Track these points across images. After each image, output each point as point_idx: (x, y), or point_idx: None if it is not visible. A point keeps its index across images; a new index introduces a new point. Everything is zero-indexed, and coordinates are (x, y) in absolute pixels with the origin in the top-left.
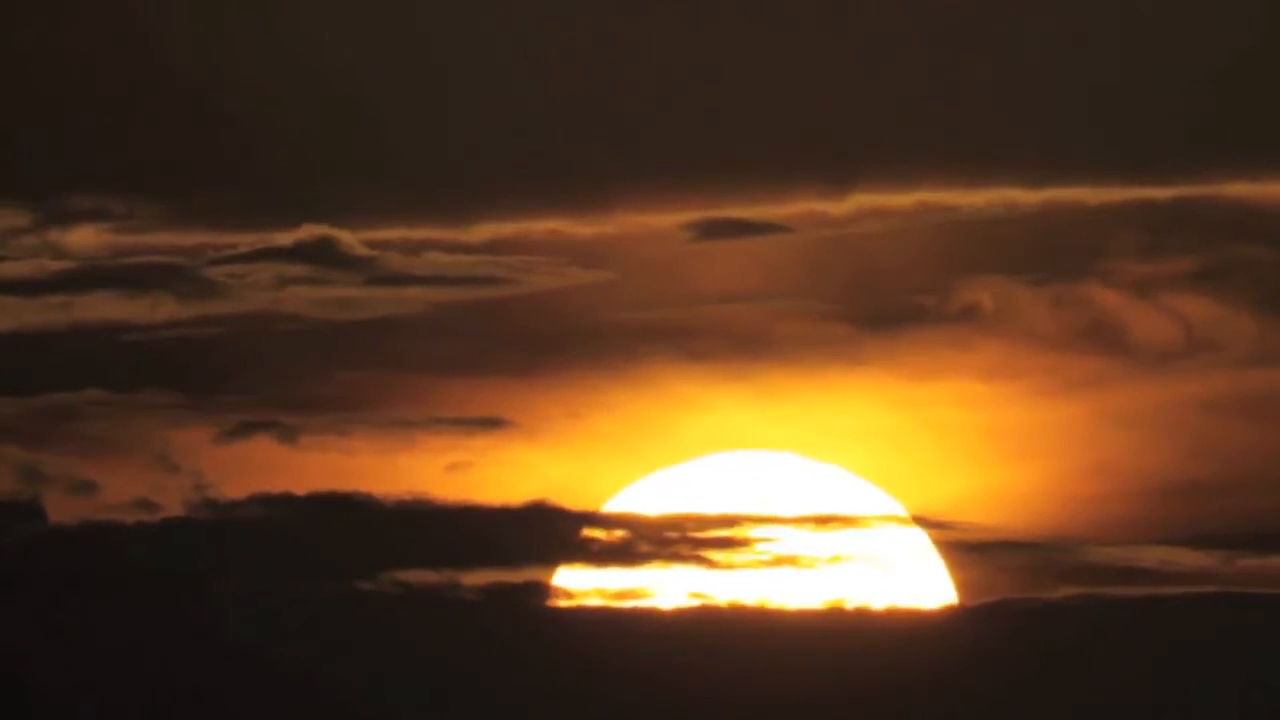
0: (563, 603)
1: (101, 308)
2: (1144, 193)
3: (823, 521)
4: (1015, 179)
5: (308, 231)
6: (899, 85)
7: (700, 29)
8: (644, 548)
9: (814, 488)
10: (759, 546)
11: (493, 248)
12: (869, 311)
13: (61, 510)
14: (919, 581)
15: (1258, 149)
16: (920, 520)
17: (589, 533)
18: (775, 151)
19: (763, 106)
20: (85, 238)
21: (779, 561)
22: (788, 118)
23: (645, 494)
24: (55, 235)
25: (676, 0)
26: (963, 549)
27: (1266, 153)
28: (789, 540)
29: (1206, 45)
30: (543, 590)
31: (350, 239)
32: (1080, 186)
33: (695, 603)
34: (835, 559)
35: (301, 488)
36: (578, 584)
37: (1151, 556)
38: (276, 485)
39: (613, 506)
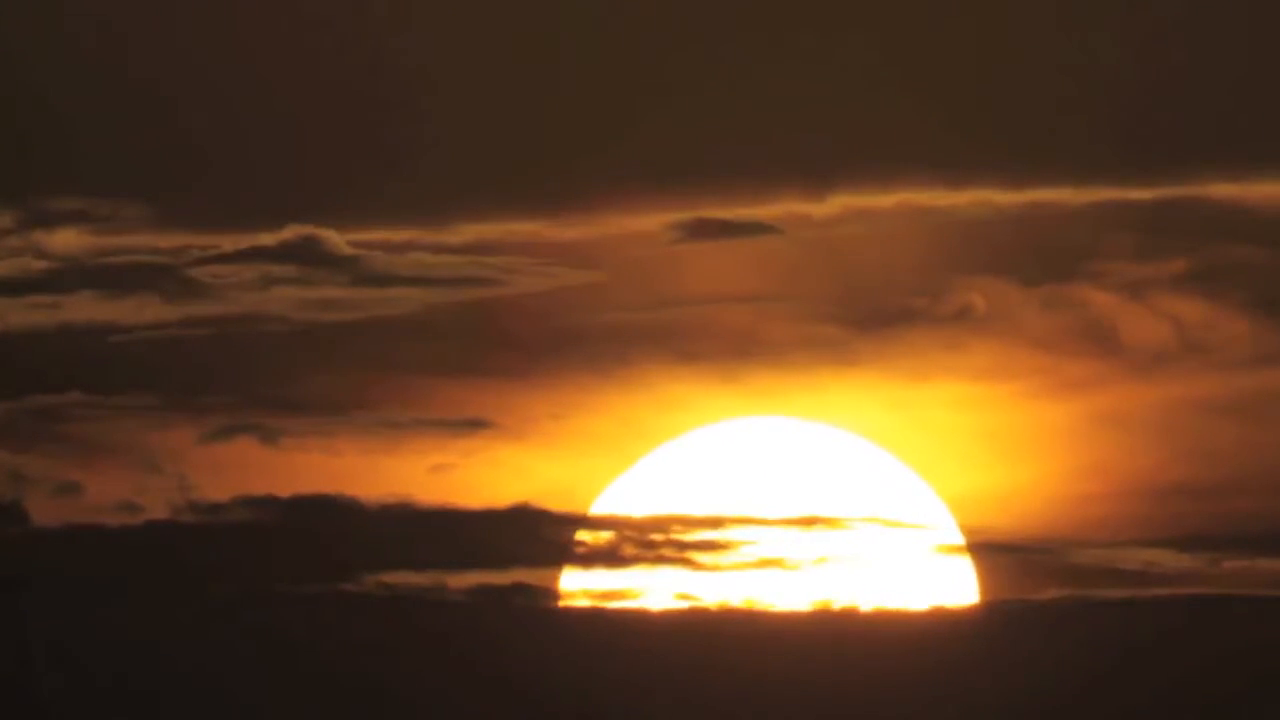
0: (549, 604)
1: (86, 309)
2: (1128, 194)
3: (808, 523)
4: (995, 180)
5: (292, 232)
6: (877, 86)
7: (682, 31)
8: (630, 550)
9: (803, 482)
10: (745, 548)
11: (476, 249)
12: (860, 313)
13: (45, 512)
14: (907, 583)
15: (1240, 150)
16: (911, 522)
17: (576, 535)
18: (754, 153)
19: (742, 107)
20: (69, 239)
21: (765, 563)
22: (767, 118)
23: (631, 495)
24: (39, 237)
25: (659, 3)
26: (952, 550)
27: (1249, 154)
28: (775, 541)
29: (1190, 46)
30: (529, 592)
31: (336, 239)
32: (1062, 188)
33: (683, 604)
34: (821, 560)
35: (285, 490)
36: (564, 586)
37: (1138, 558)
38: (260, 487)
39: (599, 507)
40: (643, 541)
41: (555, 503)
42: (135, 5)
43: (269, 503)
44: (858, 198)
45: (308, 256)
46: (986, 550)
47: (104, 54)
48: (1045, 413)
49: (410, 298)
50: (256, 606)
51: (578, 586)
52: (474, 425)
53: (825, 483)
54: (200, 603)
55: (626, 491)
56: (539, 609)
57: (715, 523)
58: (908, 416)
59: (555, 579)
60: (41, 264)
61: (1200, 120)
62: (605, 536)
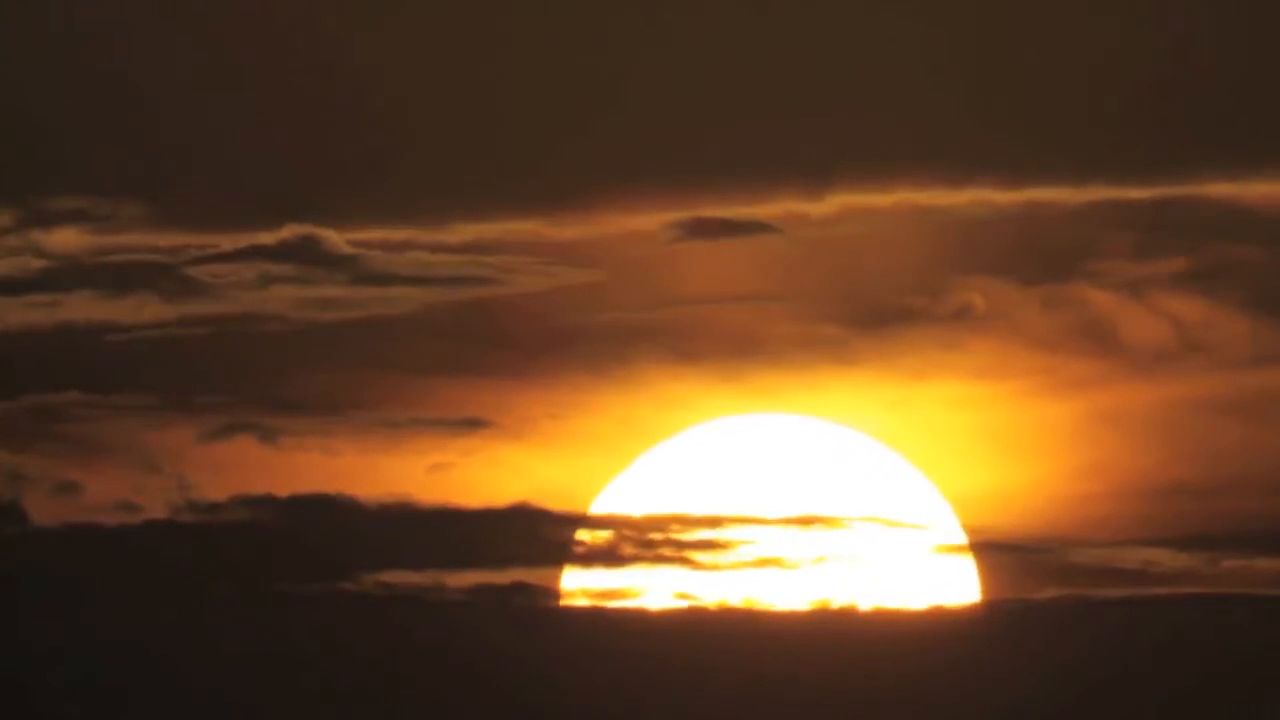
0: (549, 604)
1: (84, 308)
2: (1127, 193)
3: (807, 522)
4: (994, 179)
5: (291, 231)
6: (876, 85)
7: (679, 30)
8: (628, 549)
9: (802, 481)
10: (743, 548)
11: (475, 249)
12: (859, 312)
13: (43, 512)
14: (905, 582)
15: (1239, 149)
16: (908, 521)
17: (575, 535)
18: (752, 152)
19: (741, 106)
20: (68, 238)
21: (764, 562)
22: (766, 118)
23: (629, 494)
24: (38, 235)
25: (657, 2)
26: (952, 550)
27: (1248, 153)
28: (773, 541)
29: (1189, 45)
30: (528, 592)
31: (335, 238)
32: (1061, 187)
33: (682, 603)
34: (820, 559)
35: (284, 489)
36: (563, 585)
37: (1136, 558)
38: (259, 487)
39: (598, 506)
40: (641, 541)
41: (554, 502)
42: (134, 5)
43: (267, 502)
44: (856, 197)
45: (306, 256)
46: (986, 549)
47: (103, 54)
48: (1045, 412)
49: (409, 297)
50: (255, 606)
51: (577, 586)
52: (473, 424)
53: (824, 481)
54: (199, 602)
55: (625, 491)
56: (538, 608)
57: (714, 522)
58: (907, 416)
59: (554, 578)
60: (40, 263)
61: (1198, 119)
62: (604, 536)
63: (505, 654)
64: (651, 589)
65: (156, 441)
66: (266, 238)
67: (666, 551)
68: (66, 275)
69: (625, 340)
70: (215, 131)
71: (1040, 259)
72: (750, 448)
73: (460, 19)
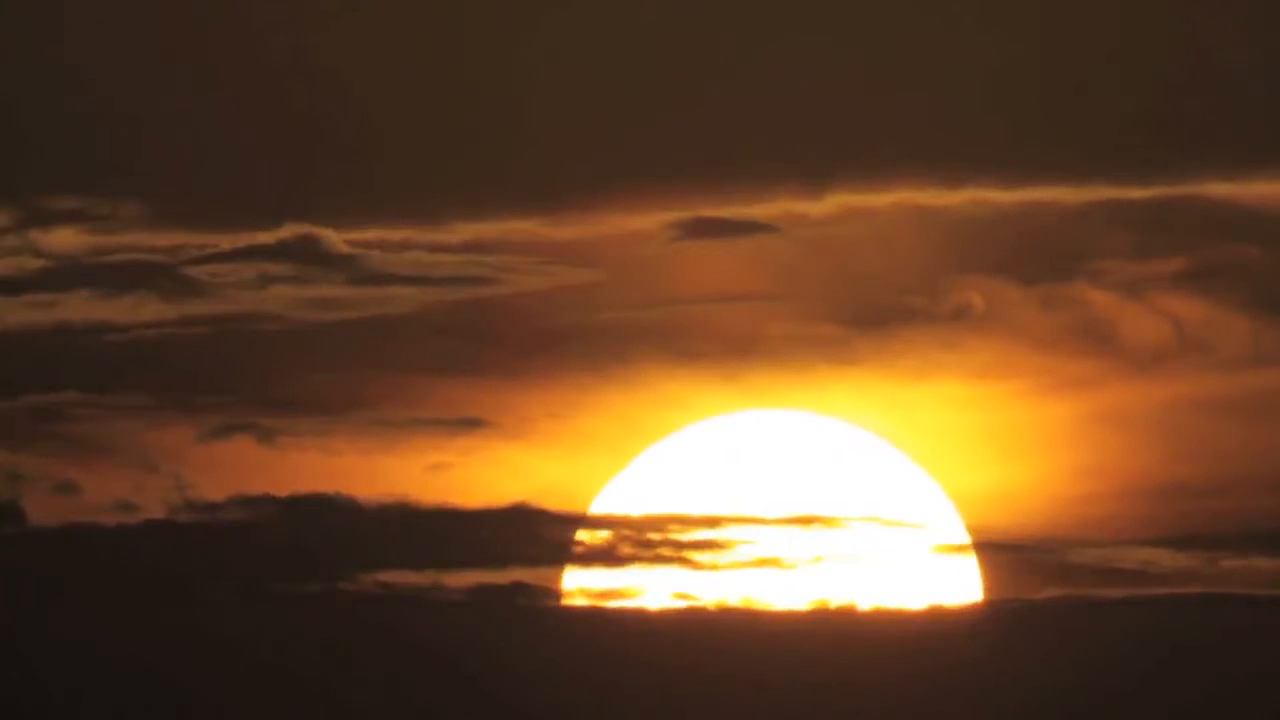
0: (548, 604)
1: (83, 308)
2: (1125, 193)
3: (806, 521)
4: (992, 179)
5: (290, 230)
6: (875, 85)
7: (679, 30)
8: (627, 549)
9: (801, 480)
10: (742, 547)
11: (473, 248)
12: (859, 311)
13: (42, 512)
14: (905, 582)
15: (1237, 149)
16: (908, 520)
17: (575, 535)
18: (752, 152)
19: (740, 106)
20: (66, 238)
21: (762, 562)
22: (764, 117)
23: (629, 494)
24: (36, 235)
25: (657, 2)
26: (951, 549)
27: (1246, 152)
28: (772, 540)
29: (1189, 45)
30: (527, 592)
31: (333, 238)
32: (1060, 187)
33: (680, 603)
34: (818, 559)
35: (282, 489)
36: (563, 585)
37: (1135, 558)
38: (257, 487)
39: (597, 506)
40: (640, 541)
41: (553, 502)
42: (134, 5)
43: (266, 502)
44: (855, 196)
45: (305, 255)
46: (985, 549)
47: (103, 54)
48: (1044, 412)
49: (407, 297)
50: (253, 606)
51: (576, 586)
52: (471, 424)
53: (823, 480)
54: (198, 602)
55: (624, 491)
56: (538, 608)
57: (712, 522)
58: (907, 415)
59: (554, 578)
60: (38, 262)
61: (1198, 119)
62: (603, 536)
63: (505, 654)
64: (650, 589)
65: (155, 441)
66: (265, 237)
67: (665, 551)
68: (65, 275)
69: (624, 340)
70: (214, 131)
71: (1040, 259)
72: (749, 447)
73: (461, 18)
